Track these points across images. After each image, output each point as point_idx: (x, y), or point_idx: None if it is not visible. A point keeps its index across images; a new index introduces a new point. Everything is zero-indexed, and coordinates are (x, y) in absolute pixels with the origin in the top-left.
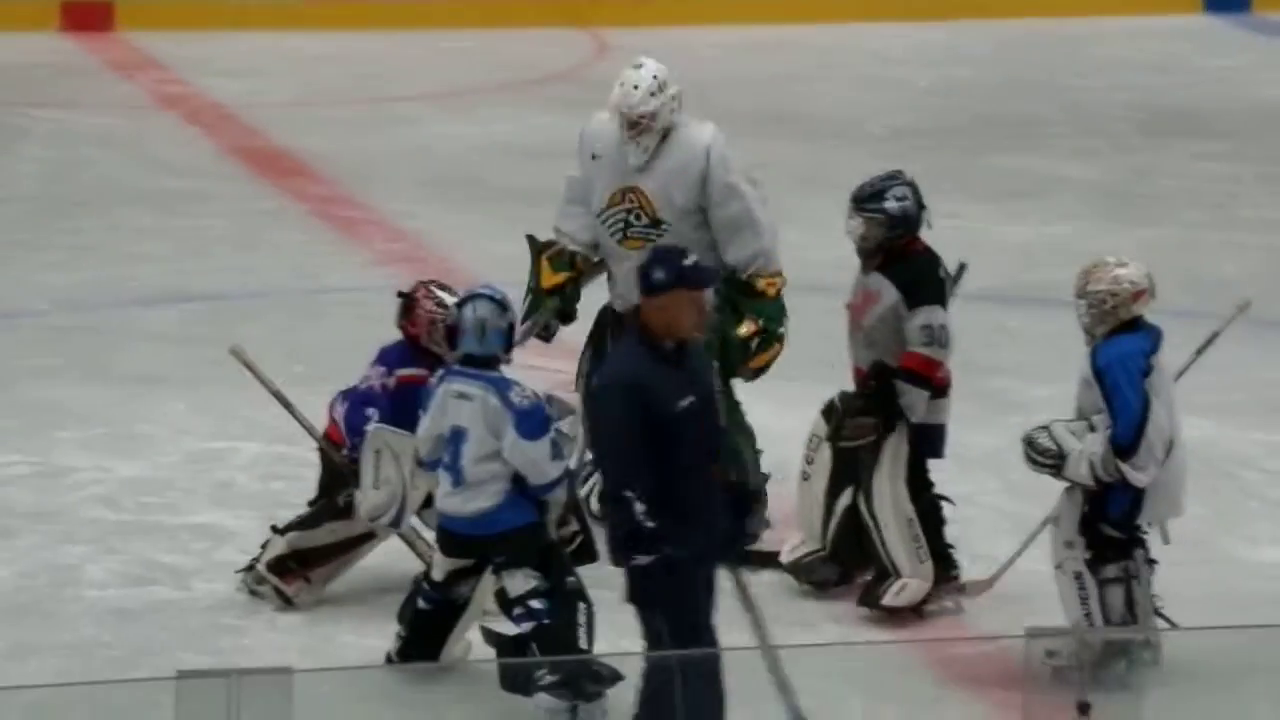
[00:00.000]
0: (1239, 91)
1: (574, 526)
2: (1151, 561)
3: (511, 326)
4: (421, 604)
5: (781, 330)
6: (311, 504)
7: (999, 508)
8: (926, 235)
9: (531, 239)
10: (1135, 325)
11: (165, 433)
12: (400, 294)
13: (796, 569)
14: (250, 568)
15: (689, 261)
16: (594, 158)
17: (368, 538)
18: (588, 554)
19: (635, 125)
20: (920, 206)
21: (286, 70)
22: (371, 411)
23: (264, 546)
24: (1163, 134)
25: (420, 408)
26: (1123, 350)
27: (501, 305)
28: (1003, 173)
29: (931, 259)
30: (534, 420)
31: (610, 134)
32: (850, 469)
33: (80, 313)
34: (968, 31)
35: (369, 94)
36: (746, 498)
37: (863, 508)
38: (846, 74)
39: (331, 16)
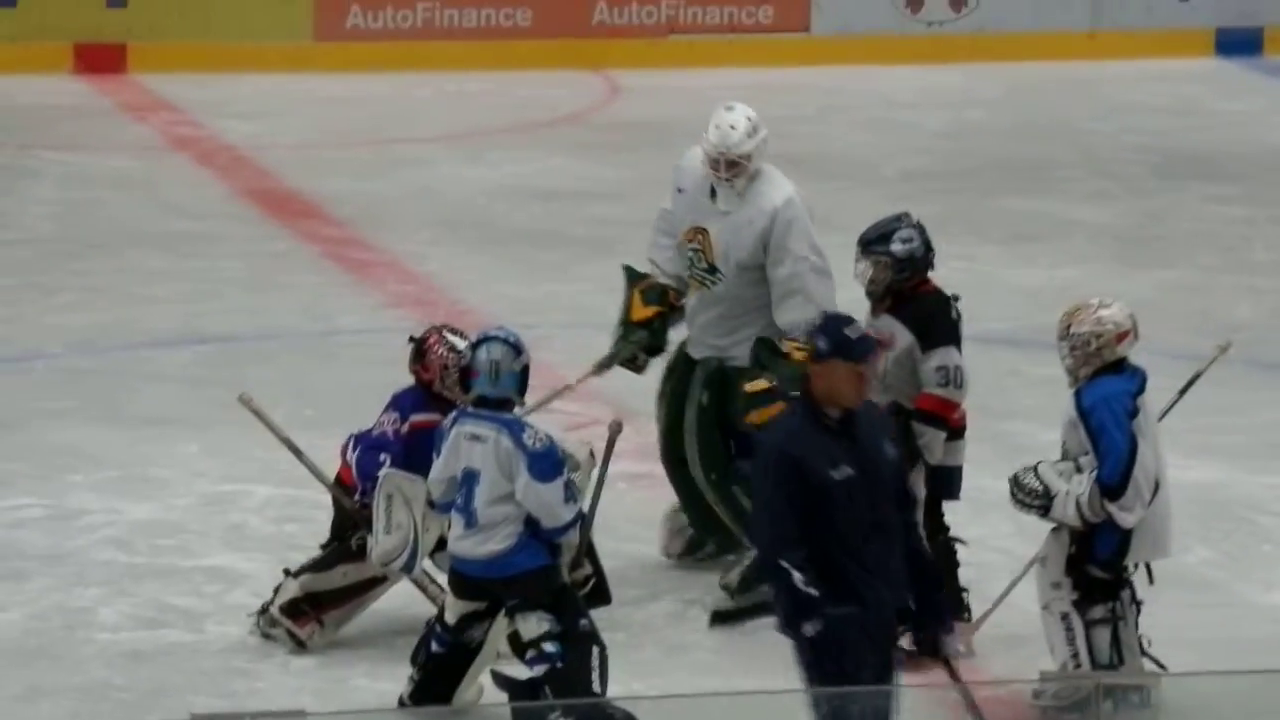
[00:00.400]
0: (1251, 135)
1: (587, 569)
2: (1138, 602)
3: (525, 369)
4: (434, 647)
5: (793, 394)
6: (324, 546)
7: (1012, 551)
8: (935, 276)
9: (629, 269)
10: (1119, 366)
11: (178, 475)
12: (412, 339)
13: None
14: (263, 611)
15: (851, 332)
16: (679, 191)
17: (380, 580)
18: (601, 597)
19: (734, 166)
20: (928, 248)
21: (298, 112)
22: (384, 457)
23: (277, 590)
24: (1175, 177)
25: (434, 451)
26: (1108, 391)
27: (515, 348)
28: (1015, 216)
29: (941, 300)
30: (547, 462)
31: (697, 170)
32: None
33: (93, 355)
34: (979, 74)
35: (380, 136)
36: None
37: None
38: (857, 117)
39: (343, 59)
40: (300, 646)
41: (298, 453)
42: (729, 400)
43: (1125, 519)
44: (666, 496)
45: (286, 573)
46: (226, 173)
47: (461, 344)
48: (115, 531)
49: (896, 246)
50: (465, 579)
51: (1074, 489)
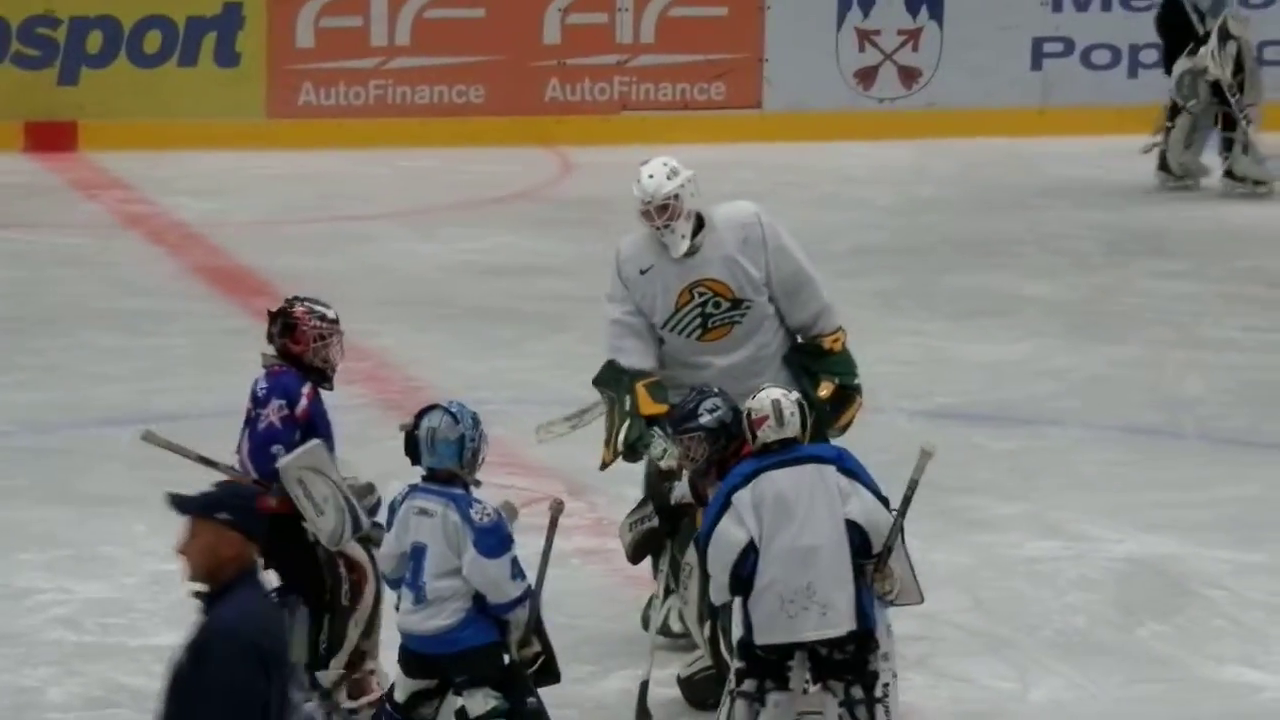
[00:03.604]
0: (1200, 211)
1: (536, 647)
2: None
3: (463, 438)
4: None
5: (857, 381)
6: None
7: (967, 626)
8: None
9: (613, 363)
10: (763, 451)
11: (127, 554)
12: (275, 313)
13: (690, 684)
14: (333, 713)
15: None
16: (643, 273)
17: (377, 598)
18: (550, 674)
19: (665, 209)
20: (735, 411)
21: (251, 190)
22: (276, 449)
23: (323, 690)
24: (1125, 253)
25: (323, 432)
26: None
27: (454, 417)
28: (966, 291)
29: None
30: (494, 538)
31: (649, 243)
32: None
33: (43, 434)
34: (931, 150)
35: (333, 213)
36: None
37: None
38: (809, 193)
39: (295, 136)
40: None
41: (214, 464)
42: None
43: (710, 590)
44: (620, 572)
45: (308, 669)
46: (178, 250)
47: (330, 313)
48: (65, 610)
49: (705, 418)
50: (414, 655)
51: None
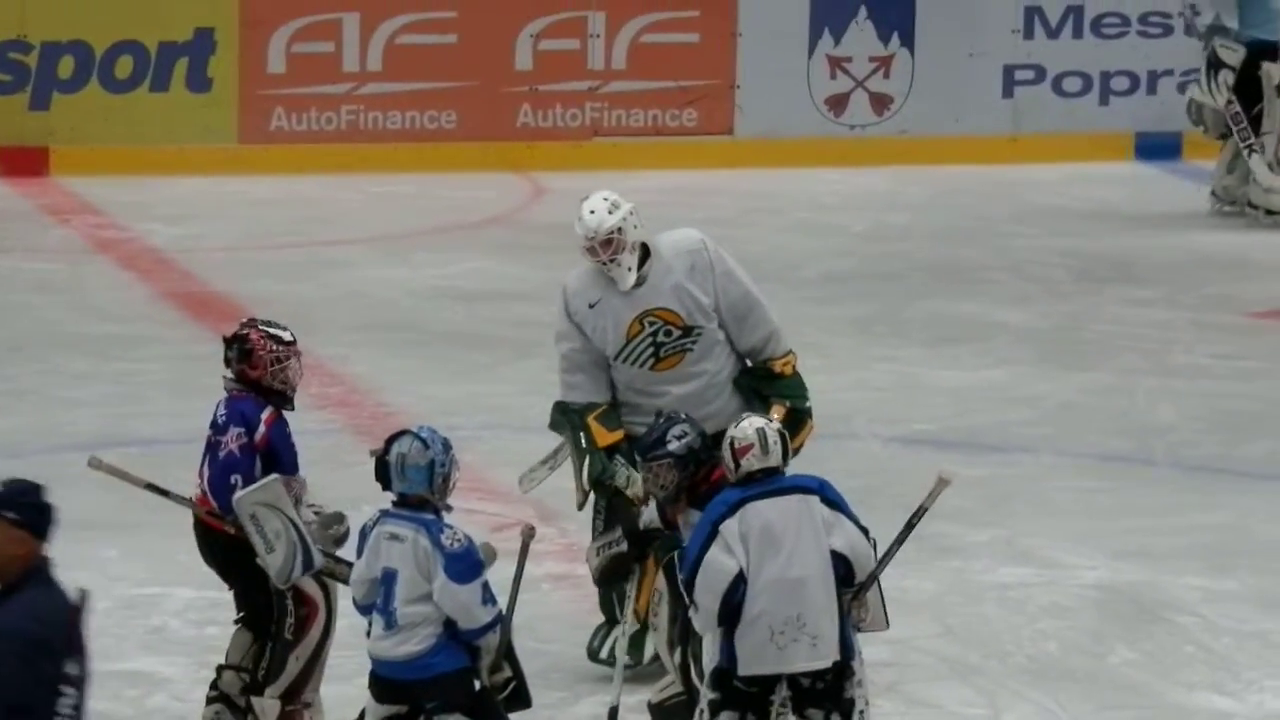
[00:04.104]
0: (1171, 239)
1: (507, 672)
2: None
3: (433, 463)
4: None
5: (808, 404)
6: (237, 622)
7: (938, 652)
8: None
9: (560, 404)
10: (747, 480)
11: (98, 579)
12: (231, 338)
13: (661, 710)
14: None
15: None
16: (591, 306)
17: (326, 634)
18: (521, 700)
19: (609, 243)
20: (702, 436)
21: (223, 215)
22: (235, 478)
23: (252, 713)
24: (1096, 280)
25: (285, 458)
26: (713, 500)
27: (424, 443)
28: (937, 318)
29: None
30: (464, 563)
31: (595, 277)
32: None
33: (14, 459)
34: (902, 177)
35: (305, 238)
36: None
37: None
38: (781, 219)
39: (267, 162)
40: None
41: (164, 493)
42: None
43: (695, 619)
44: (591, 597)
45: (246, 691)
46: (150, 275)
47: (286, 335)
48: None
49: (673, 445)
50: (384, 681)
51: None
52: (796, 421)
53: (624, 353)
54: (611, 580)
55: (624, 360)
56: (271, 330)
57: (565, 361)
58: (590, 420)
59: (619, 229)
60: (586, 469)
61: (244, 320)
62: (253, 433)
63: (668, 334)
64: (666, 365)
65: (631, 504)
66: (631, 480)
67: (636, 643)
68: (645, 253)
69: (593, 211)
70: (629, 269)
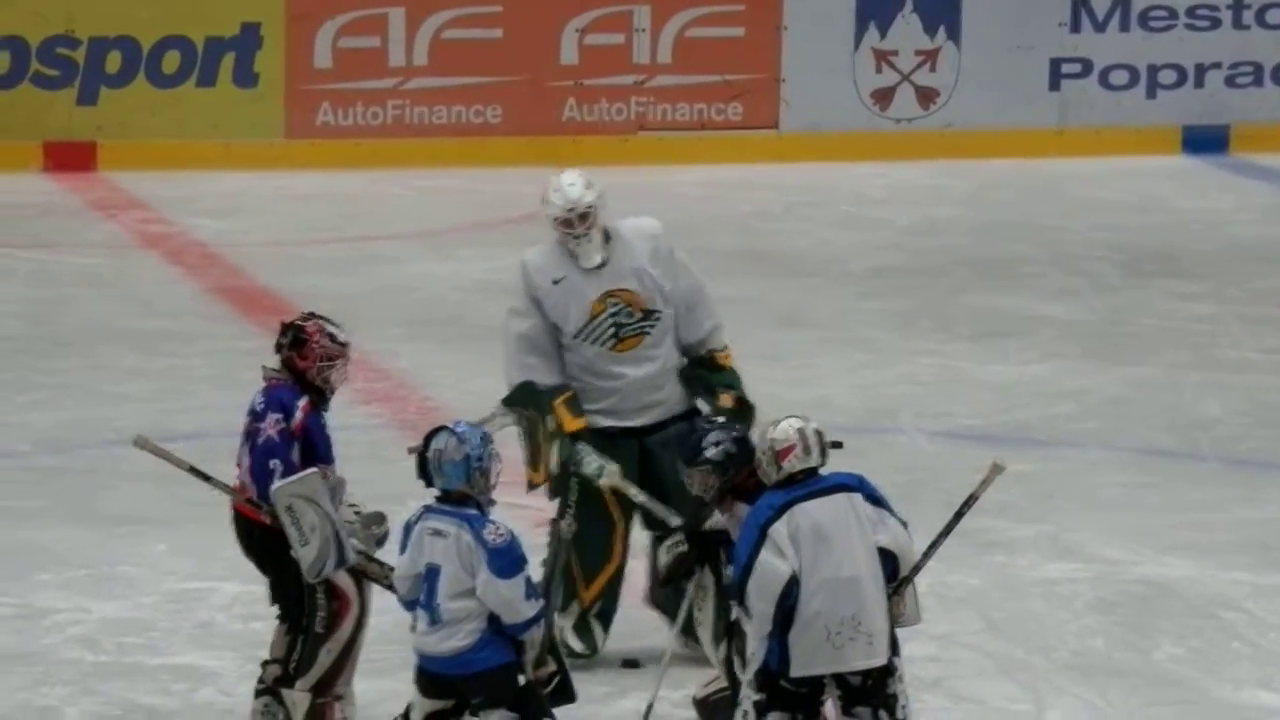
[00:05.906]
0: (1218, 232)
1: (551, 667)
2: None
3: (468, 459)
4: None
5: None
6: (276, 607)
7: (982, 647)
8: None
9: (528, 384)
10: (789, 481)
11: (146, 573)
12: (289, 324)
13: (705, 706)
14: None
15: None
16: (556, 283)
17: (359, 628)
18: (565, 694)
19: (585, 217)
20: (736, 440)
21: (269, 210)
22: (274, 464)
23: (283, 705)
24: (1143, 274)
25: (321, 448)
26: (757, 504)
27: (460, 439)
28: (983, 311)
29: None
30: (507, 558)
31: (557, 254)
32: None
33: (62, 453)
34: (948, 171)
35: (351, 233)
36: None
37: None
38: (826, 213)
39: (312, 157)
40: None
41: (206, 478)
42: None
43: (745, 624)
44: (632, 589)
45: (278, 682)
46: (197, 270)
47: (341, 336)
48: (82, 630)
49: (710, 452)
50: (430, 676)
51: None
52: (746, 411)
53: (585, 330)
54: (674, 579)
55: (584, 339)
56: (330, 328)
57: (522, 341)
58: (558, 404)
59: (594, 205)
60: (555, 453)
61: (306, 311)
62: (290, 418)
63: (629, 315)
64: (626, 346)
65: (602, 493)
66: (606, 471)
67: (582, 629)
68: (606, 235)
69: (572, 184)
70: (597, 246)
